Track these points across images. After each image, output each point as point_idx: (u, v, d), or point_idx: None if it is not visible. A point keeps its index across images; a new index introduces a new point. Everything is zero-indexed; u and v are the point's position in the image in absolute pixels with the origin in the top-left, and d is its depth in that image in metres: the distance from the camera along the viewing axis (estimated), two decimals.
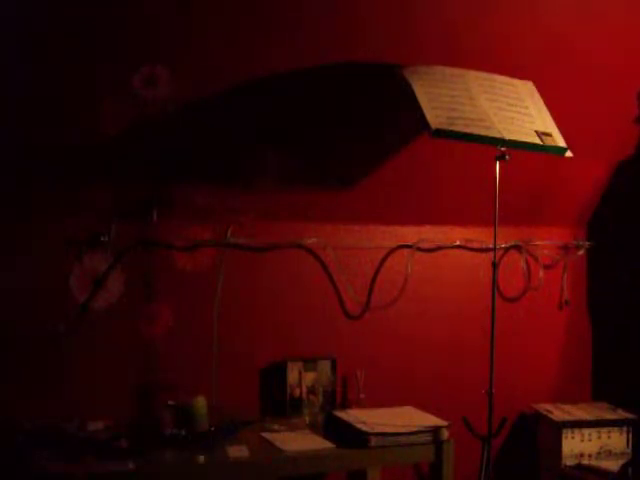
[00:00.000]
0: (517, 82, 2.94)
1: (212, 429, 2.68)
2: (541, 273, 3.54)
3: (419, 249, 3.36)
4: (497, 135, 2.68)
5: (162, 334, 2.93)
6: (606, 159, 3.46)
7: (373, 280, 3.30)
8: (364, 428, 2.70)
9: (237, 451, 2.60)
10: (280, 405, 3.09)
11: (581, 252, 3.62)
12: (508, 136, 2.69)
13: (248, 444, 2.66)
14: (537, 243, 3.54)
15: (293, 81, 2.82)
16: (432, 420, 2.82)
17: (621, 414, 3.33)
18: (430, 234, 3.38)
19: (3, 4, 2.42)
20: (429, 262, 3.39)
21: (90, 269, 2.88)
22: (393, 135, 3.08)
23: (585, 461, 3.24)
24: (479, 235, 3.38)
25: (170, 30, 2.62)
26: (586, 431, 3.25)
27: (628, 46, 3.11)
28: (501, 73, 2.92)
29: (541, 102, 2.93)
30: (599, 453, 3.27)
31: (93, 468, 2.41)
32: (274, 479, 2.71)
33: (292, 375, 3.10)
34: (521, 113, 2.84)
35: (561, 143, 2.82)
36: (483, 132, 2.67)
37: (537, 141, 2.77)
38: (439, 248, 3.40)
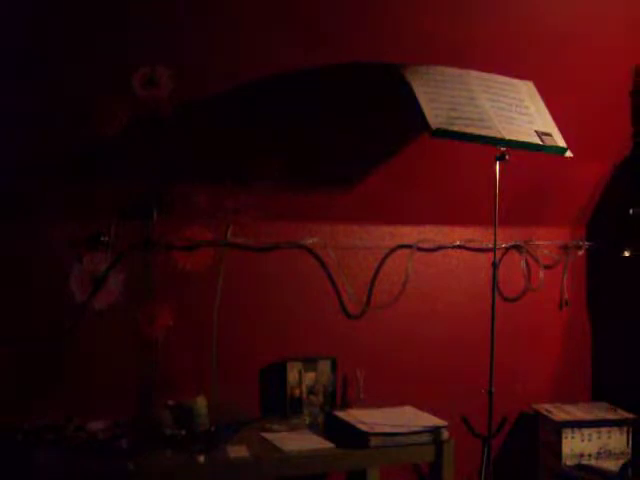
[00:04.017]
0: (517, 82, 2.94)
1: (212, 429, 2.68)
2: (541, 273, 3.54)
3: (419, 249, 3.36)
4: (497, 135, 2.68)
5: (162, 334, 2.93)
6: (606, 159, 3.46)
7: (373, 280, 3.30)
8: (364, 428, 2.70)
9: (237, 451, 2.60)
10: (280, 405, 3.09)
11: (581, 252, 3.62)
12: (508, 136, 2.69)
13: (248, 444, 2.67)
14: (537, 243, 3.54)
15: (293, 81, 2.82)
16: (432, 420, 2.82)
17: (621, 414, 3.33)
18: (430, 234, 3.38)
19: (3, 4, 2.42)
20: (429, 262, 3.39)
21: (90, 269, 2.88)
22: (393, 135, 3.08)
23: (585, 461, 3.24)
24: (479, 235, 3.38)
25: (170, 30, 2.62)
26: (586, 431, 3.25)
27: (628, 47, 3.11)
28: (501, 73, 2.92)
29: (541, 102, 2.93)
30: (599, 453, 3.27)
31: (93, 468, 2.41)
32: (274, 479, 2.72)
33: (292, 375, 3.10)
34: (521, 113, 2.84)
35: (561, 143, 2.82)
36: (483, 132, 2.67)
37: (537, 141, 2.77)
38: (439, 248, 3.40)
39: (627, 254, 2.64)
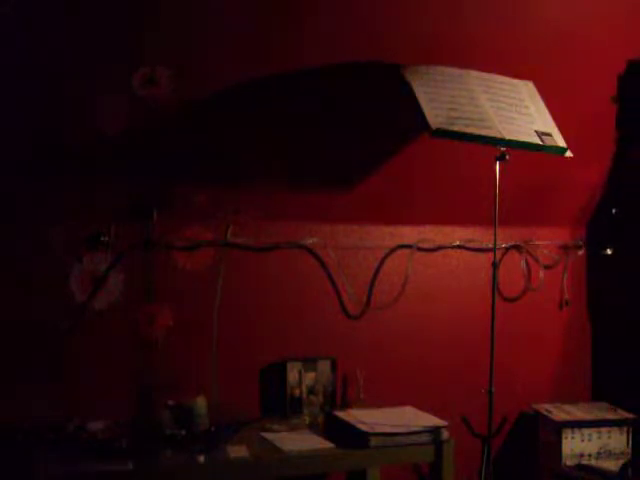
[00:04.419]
0: (517, 82, 2.94)
1: (212, 429, 2.68)
2: (541, 273, 3.54)
3: (419, 249, 3.36)
4: (497, 135, 2.68)
5: (162, 334, 2.94)
6: (606, 159, 3.45)
7: (373, 280, 3.30)
8: (364, 428, 2.70)
9: (237, 451, 2.60)
10: (280, 405, 3.09)
11: (581, 252, 3.62)
12: (508, 136, 2.69)
13: (248, 444, 2.66)
14: (537, 243, 3.54)
15: (293, 81, 2.82)
16: (432, 420, 2.82)
17: (621, 414, 3.33)
18: (430, 234, 3.38)
19: (3, 4, 2.42)
20: (429, 262, 3.39)
21: (90, 269, 2.88)
22: (393, 135, 3.08)
23: (585, 461, 3.24)
24: (479, 235, 3.38)
25: (170, 30, 2.62)
26: (586, 431, 3.25)
27: (629, 47, 3.11)
28: (501, 73, 2.92)
29: (541, 102, 2.93)
30: (599, 453, 3.27)
31: (93, 468, 2.41)
32: (274, 479, 2.72)
33: (292, 375, 3.10)
34: (521, 113, 2.84)
35: (561, 143, 2.82)
36: (483, 132, 2.67)
37: (537, 141, 2.77)
38: (439, 248, 3.40)
39: (609, 252, 2.67)
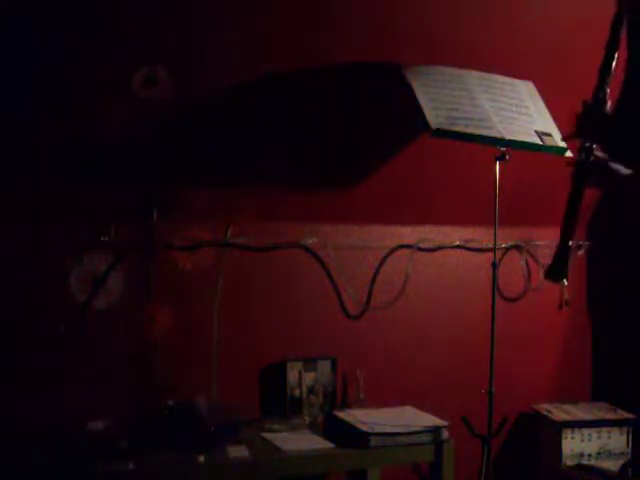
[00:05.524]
0: (517, 82, 2.94)
1: (212, 429, 2.68)
2: (541, 273, 3.54)
3: (419, 249, 3.36)
4: (497, 135, 2.68)
5: (162, 334, 2.93)
6: None
7: (373, 280, 3.30)
8: (364, 428, 2.70)
9: (237, 451, 2.60)
10: (280, 405, 3.09)
11: (581, 252, 3.62)
12: (508, 136, 2.70)
13: (248, 444, 2.67)
14: (537, 243, 3.54)
15: (293, 81, 2.82)
16: (432, 420, 2.82)
17: (621, 414, 3.33)
18: (430, 234, 3.38)
19: (4, 4, 2.42)
20: (429, 262, 3.39)
21: (90, 269, 2.88)
22: (393, 135, 3.08)
23: (585, 461, 3.24)
24: (479, 235, 3.38)
25: (170, 30, 2.62)
26: (586, 431, 3.25)
27: None
28: (501, 73, 2.92)
29: (541, 102, 2.93)
30: (599, 453, 3.27)
31: (93, 468, 2.41)
32: (274, 479, 2.72)
33: (292, 375, 3.10)
34: (521, 113, 2.84)
35: (561, 143, 2.82)
36: (483, 132, 2.68)
37: (537, 141, 2.78)
38: (439, 248, 3.40)
39: (566, 283, 2.69)
